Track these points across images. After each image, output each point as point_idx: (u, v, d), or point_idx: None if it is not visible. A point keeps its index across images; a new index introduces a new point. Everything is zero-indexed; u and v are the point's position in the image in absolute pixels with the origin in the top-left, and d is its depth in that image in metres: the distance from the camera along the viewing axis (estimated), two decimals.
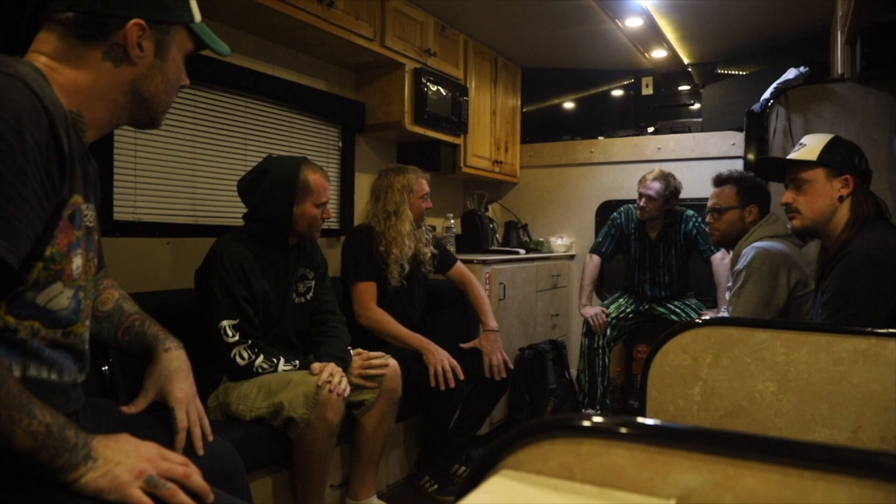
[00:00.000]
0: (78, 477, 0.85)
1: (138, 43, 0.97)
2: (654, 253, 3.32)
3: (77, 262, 0.95)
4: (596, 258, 3.49)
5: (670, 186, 3.17)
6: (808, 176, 1.74)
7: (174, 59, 1.04)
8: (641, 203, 3.20)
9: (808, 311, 2.01)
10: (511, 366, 2.67)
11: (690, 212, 3.30)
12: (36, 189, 0.83)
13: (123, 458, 0.89)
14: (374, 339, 2.42)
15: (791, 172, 1.79)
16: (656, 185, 3.15)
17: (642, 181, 3.21)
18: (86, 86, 0.95)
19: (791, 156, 1.81)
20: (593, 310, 3.38)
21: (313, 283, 2.17)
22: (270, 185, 2.01)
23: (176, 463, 0.93)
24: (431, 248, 2.72)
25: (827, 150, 1.72)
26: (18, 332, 0.89)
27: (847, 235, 1.66)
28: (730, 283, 2.27)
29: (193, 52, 1.09)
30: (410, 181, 2.62)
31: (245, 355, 1.90)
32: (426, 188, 2.69)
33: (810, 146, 1.76)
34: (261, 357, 1.92)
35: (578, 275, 4.14)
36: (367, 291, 2.52)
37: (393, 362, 2.16)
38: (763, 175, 2.15)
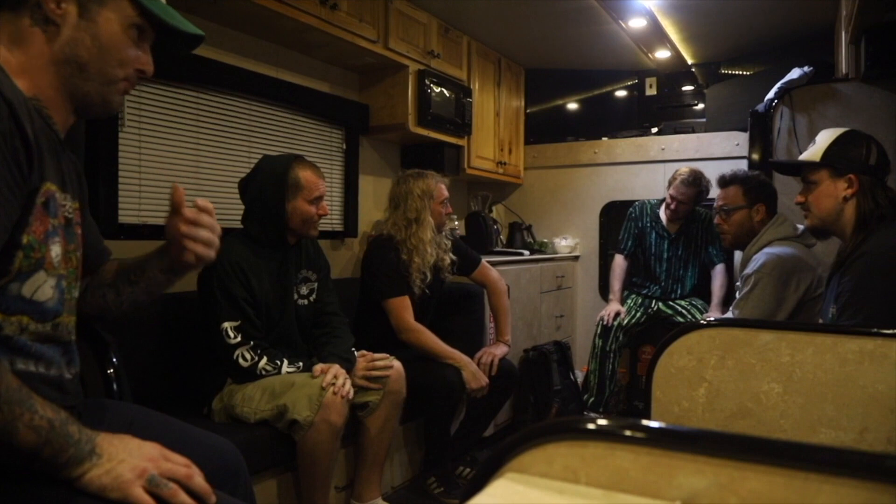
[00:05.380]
0: (83, 472, 0.86)
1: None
2: (673, 245, 3.33)
3: (56, 251, 0.96)
4: (619, 258, 3.51)
5: (703, 193, 3.20)
6: (815, 177, 1.73)
7: (107, 25, 0.99)
8: (672, 206, 3.21)
9: (818, 312, 1.99)
10: (494, 372, 2.59)
11: (713, 214, 3.31)
12: (6, 177, 0.84)
13: (127, 455, 0.89)
14: (376, 341, 2.42)
15: (802, 172, 1.78)
16: (690, 192, 3.16)
17: (674, 184, 3.19)
18: (30, 62, 0.96)
19: (802, 156, 1.79)
20: (609, 307, 3.39)
21: (316, 284, 2.18)
22: (261, 183, 2.03)
23: (178, 464, 0.93)
24: (451, 254, 2.68)
25: (832, 148, 1.69)
26: (4, 329, 0.90)
27: (859, 237, 1.63)
28: (738, 283, 2.26)
29: (155, 33, 1.05)
30: (430, 186, 2.58)
31: (248, 356, 1.91)
32: (445, 193, 2.64)
33: (819, 145, 1.73)
34: (264, 359, 1.92)
35: (583, 276, 4.15)
36: (402, 307, 2.49)
37: (397, 364, 2.16)
38: (780, 172, 2.14)
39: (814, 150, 1.74)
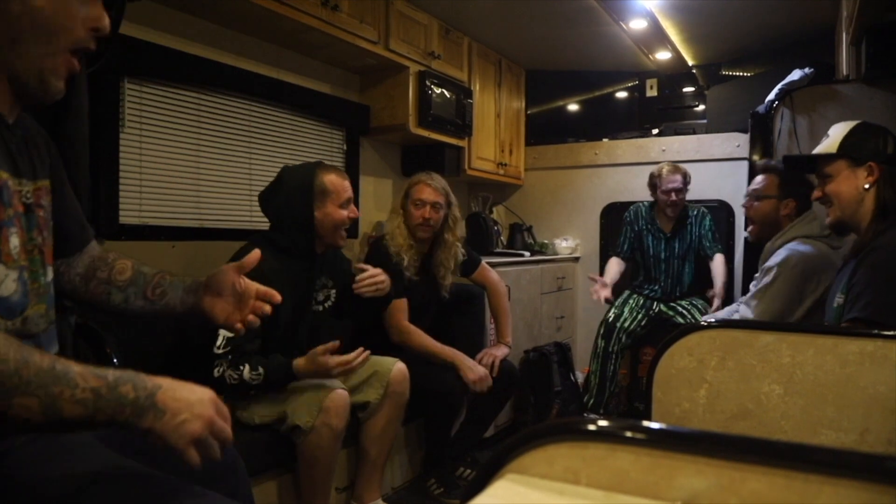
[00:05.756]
0: (148, 427, 0.83)
1: None
2: (669, 245, 3.35)
3: (14, 242, 0.93)
4: (614, 259, 3.52)
5: (687, 176, 3.27)
6: (831, 169, 1.70)
7: None
8: (672, 198, 3.24)
9: None
10: (495, 374, 2.56)
11: (704, 209, 3.37)
12: None
13: (189, 415, 0.86)
14: (376, 343, 2.41)
15: (818, 165, 1.75)
16: (678, 178, 3.23)
17: (661, 178, 3.24)
18: None
19: (815, 149, 1.76)
20: (600, 290, 3.32)
21: (333, 291, 2.16)
22: (287, 194, 2.00)
23: (225, 419, 0.91)
24: (451, 274, 2.62)
25: (848, 139, 1.68)
26: None
27: (877, 227, 1.61)
28: (757, 276, 2.23)
29: None
30: (411, 183, 2.58)
31: (220, 370, 1.87)
32: (421, 193, 2.50)
33: (833, 137, 1.71)
34: (229, 370, 1.87)
35: (583, 277, 4.14)
36: (397, 309, 2.47)
37: (400, 365, 2.15)
38: (796, 170, 2.11)
39: (828, 143, 1.72)
